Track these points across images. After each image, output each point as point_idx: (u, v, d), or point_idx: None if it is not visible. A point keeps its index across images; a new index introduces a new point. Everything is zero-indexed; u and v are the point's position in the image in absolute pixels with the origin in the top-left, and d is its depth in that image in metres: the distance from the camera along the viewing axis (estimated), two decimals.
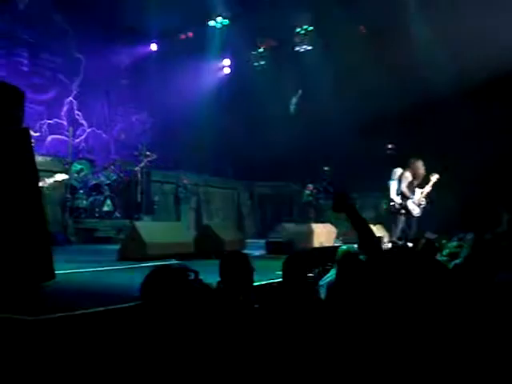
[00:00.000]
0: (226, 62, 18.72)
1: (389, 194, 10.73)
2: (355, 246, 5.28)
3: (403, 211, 10.65)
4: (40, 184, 8.04)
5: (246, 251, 10.01)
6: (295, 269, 4.03)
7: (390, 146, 15.48)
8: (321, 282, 4.65)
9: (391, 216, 10.92)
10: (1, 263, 4.02)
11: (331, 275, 4.98)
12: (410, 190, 10.64)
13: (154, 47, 17.28)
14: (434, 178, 10.72)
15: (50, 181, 8.24)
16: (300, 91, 18.02)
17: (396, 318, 2.53)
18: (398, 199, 10.64)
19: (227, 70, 18.79)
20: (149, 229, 8.86)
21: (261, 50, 17.98)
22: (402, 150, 13.14)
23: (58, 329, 3.52)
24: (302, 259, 4.16)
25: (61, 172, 11.85)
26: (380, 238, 5.16)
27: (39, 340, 3.39)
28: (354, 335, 2.49)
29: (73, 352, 3.36)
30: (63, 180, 8.76)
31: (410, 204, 10.61)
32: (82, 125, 15.53)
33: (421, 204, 10.65)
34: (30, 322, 3.46)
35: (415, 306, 2.53)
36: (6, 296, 3.85)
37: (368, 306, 2.63)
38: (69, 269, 6.62)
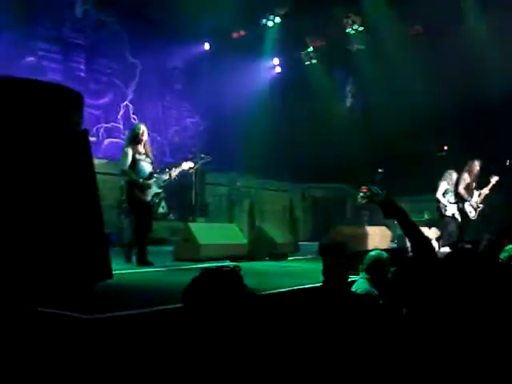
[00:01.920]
0: (276, 60, 18.63)
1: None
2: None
3: (455, 214, 10.46)
4: (166, 176, 8.28)
5: (298, 254, 10.05)
6: (335, 272, 3.96)
7: (444, 148, 15.21)
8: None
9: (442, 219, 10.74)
10: (59, 262, 4.11)
11: (358, 282, 4.85)
12: (467, 192, 10.44)
13: (206, 46, 17.33)
14: (494, 180, 10.50)
15: (176, 171, 8.46)
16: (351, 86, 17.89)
17: (461, 322, 2.47)
18: (444, 200, 10.48)
19: (278, 69, 18.72)
20: (203, 230, 8.94)
21: (310, 49, 17.86)
22: (455, 151, 12.88)
23: (112, 328, 3.58)
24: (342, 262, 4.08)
25: (116, 174, 12.15)
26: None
27: (94, 338, 3.44)
28: (417, 341, 2.43)
29: (128, 351, 3.41)
30: (189, 168, 8.85)
31: (467, 206, 10.42)
32: None
33: (478, 207, 10.44)
34: (85, 320, 3.53)
35: (481, 310, 2.47)
36: (63, 294, 3.93)
37: (428, 311, 2.58)
38: (124, 269, 6.74)
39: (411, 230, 3.06)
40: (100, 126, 14.76)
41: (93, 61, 14.92)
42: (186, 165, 8.68)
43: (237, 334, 2.01)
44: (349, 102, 18.19)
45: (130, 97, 15.74)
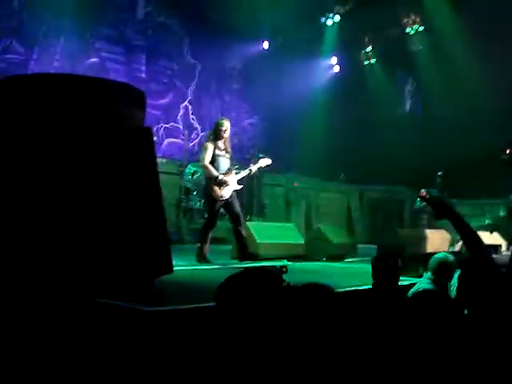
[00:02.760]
0: (334, 60, 18.50)
1: None
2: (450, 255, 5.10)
3: None
4: (246, 172, 8.27)
5: (357, 256, 9.97)
6: (385, 273, 3.89)
7: (507, 151, 14.84)
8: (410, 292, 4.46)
9: None
10: (123, 257, 4.20)
11: (421, 283, 4.79)
12: None
13: (265, 45, 17.33)
14: None
15: (255, 167, 8.49)
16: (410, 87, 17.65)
17: None
18: None
19: (337, 69, 18.58)
20: (261, 229, 8.98)
21: (369, 48, 17.69)
22: None
23: (173, 321, 3.64)
24: (392, 263, 4.00)
25: (175, 174, 12.32)
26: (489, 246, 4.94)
27: (156, 331, 3.51)
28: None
29: (186, 345, 3.45)
30: (267, 165, 8.75)
31: None
32: (196, 129, 15.96)
33: None
34: (147, 312, 3.60)
35: None
36: (126, 287, 4.02)
37: (488, 313, 2.54)
38: (183, 266, 6.83)
39: (464, 231, 3.03)
40: (160, 126, 15.00)
41: (153, 62, 15.19)
42: (264, 161, 8.64)
43: (275, 334, 2.00)
44: (408, 103, 17.95)
45: (189, 97, 15.95)
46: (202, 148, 8.18)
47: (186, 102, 15.87)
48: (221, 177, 7.87)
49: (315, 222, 14.78)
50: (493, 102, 14.38)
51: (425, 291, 2.70)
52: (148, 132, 4.76)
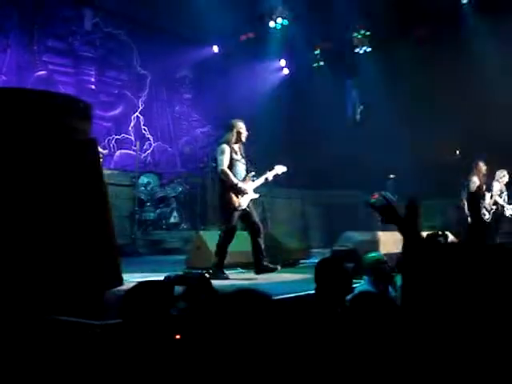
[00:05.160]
0: (283, 62, 18.49)
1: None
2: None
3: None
4: (262, 179, 7.64)
5: (311, 260, 10.03)
6: (327, 275, 3.81)
7: (457, 152, 15.16)
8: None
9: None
10: (69, 270, 4.15)
11: (360, 286, 4.85)
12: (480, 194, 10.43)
13: (215, 49, 17.22)
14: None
15: (271, 174, 7.83)
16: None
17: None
18: (501, 201, 10.48)
19: (286, 71, 18.62)
20: (214, 238, 8.95)
21: (317, 51, 17.81)
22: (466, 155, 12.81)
23: (122, 334, 3.61)
24: (336, 265, 3.94)
25: (129, 185, 12.23)
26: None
27: (105, 344, 3.48)
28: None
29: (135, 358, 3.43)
30: (282, 172, 8.06)
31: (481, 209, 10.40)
32: (148, 139, 15.88)
33: (492, 209, 10.41)
34: (97, 326, 3.57)
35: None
36: (75, 301, 3.97)
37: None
38: (138, 277, 6.78)
39: (410, 237, 3.09)
40: (111, 137, 14.86)
41: (103, 73, 15.05)
42: (280, 168, 7.97)
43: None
44: (358, 106, 18.15)
45: (140, 108, 15.85)
46: (217, 151, 7.45)
47: (137, 113, 15.77)
48: (240, 184, 7.34)
49: (270, 228, 14.81)
50: (438, 106, 14.69)
51: (361, 293, 2.73)
52: (93, 143, 4.73)
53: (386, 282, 4.92)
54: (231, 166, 7.36)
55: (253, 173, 7.64)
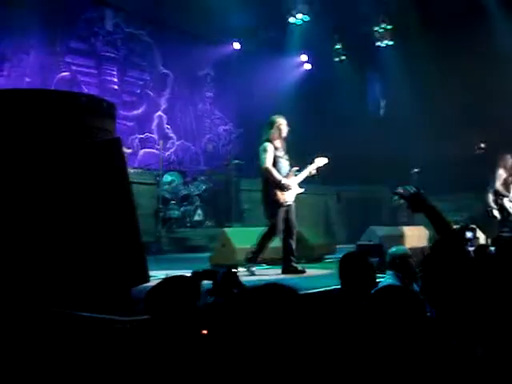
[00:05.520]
0: (304, 57, 18.42)
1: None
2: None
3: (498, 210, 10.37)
4: (305, 174, 7.59)
5: (336, 255, 10.01)
6: (356, 269, 3.80)
7: (482, 146, 15.01)
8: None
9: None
10: (96, 268, 4.19)
11: (385, 279, 4.82)
12: (505, 188, 10.33)
13: (236, 46, 17.19)
14: None
15: (312, 168, 7.80)
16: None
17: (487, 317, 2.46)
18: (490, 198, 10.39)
19: (308, 66, 18.57)
20: (239, 235, 8.99)
21: (338, 46, 17.68)
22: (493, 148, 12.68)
23: (150, 330, 3.64)
24: (360, 259, 3.93)
25: (152, 183, 12.30)
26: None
27: (134, 340, 3.51)
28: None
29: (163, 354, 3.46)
30: (324, 165, 7.98)
31: (507, 202, 10.30)
32: (171, 138, 15.96)
33: None
34: (126, 322, 3.60)
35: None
36: (101, 297, 4.01)
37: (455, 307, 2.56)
38: (163, 275, 6.81)
39: (440, 224, 3.06)
40: (135, 136, 14.97)
41: (125, 73, 15.16)
42: (321, 161, 7.92)
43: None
44: (382, 102, 18.05)
45: (163, 107, 15.95)
46: (260, 150, 7.44)
47: (159, 112, 15.86)
48: (284, 180, 7.35)
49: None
50: (465, 100, 14.57)
51: (385, 287, 2.72)
52: (117, 143, 4.77)
53: (411, 276, 4.88)
54: (274, 162, 7.37)
55: (296, 168, 7.63)
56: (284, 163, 7.53)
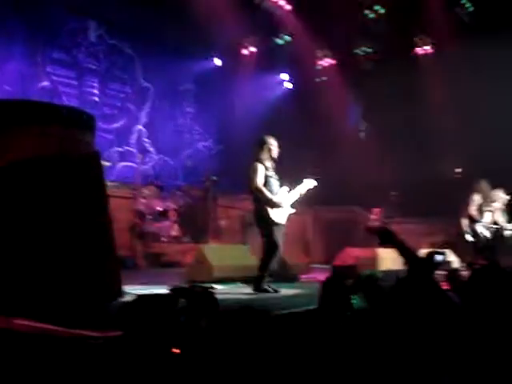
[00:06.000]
0: (285, 76, 18.54)
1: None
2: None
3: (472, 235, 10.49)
4: (296, 195, 7.51)
5: (311, 275, 10.03)
6: (335, 292, 3.86)
7: (458, 171, 15.24)
8: None
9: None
10: (69, 282, 4.15)
11: (357, 301, 4.83)
12: (479, 214, 10.46)
13: (217, 62, 17.24)
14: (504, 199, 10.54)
15: (303, 188, 7.71)
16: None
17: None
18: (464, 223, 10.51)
19: (289, 85, 18.66)
20: (215, 251, 8.98)
21: (319, 67, 17.84)
22: (468, 173, 12.85)
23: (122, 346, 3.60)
24: (341, 283, 3.98)
25: (130, 197, 12.25)
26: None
27: (106, 356, 3.47)
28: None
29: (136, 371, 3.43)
30: (314, 186, 7.91)
31: (479, 227, 10.42)
32: (150, 152, 15.92)
33: (491, 227, 10.44)
34: (99, 337, 3.56)
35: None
36: (74, 311, 3.97)
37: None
38: (138, 290, 6.76)
39: (407, 256, 3.15)
40: (113, 149, 14.90)
41: (106, 85, 15.12)
42: (310, 182, 7.84)
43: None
44: (362, 123, 18.20)
45: (143, 121, 15.91)
46: (251, 170, 7.40)
47: (139, 126, 15.83)
48: (275, 198, 7.34)
49: None
50: (443, 122, 14.73)
51: (359, 310, 2.74)
52: (96, 156, 4.75)
53: (381, 300, 4.89)
54: (265, 182, 7.37)
55: (286, 188, 7.61)
56: (275, 183, 7.53)
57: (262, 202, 7.33)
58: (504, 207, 10.64)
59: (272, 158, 7.56)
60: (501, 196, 10.57)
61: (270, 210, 7.29)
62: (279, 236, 7.45)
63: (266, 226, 7.38)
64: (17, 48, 12.93)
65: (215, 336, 1.75)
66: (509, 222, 10.60)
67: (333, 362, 2.45)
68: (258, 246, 13.90)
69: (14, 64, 12.92)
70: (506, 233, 10.51)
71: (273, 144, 7.60)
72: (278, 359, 1.86)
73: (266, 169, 7.44)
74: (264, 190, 7.29)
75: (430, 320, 2.57)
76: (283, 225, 7.49)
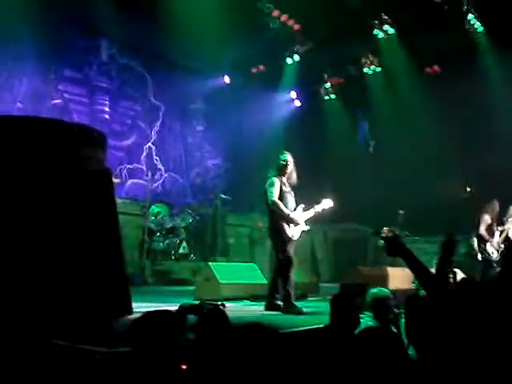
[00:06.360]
0: (294, 94, 18.60)
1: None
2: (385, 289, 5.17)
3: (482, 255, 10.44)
4: (311, 213, 7.44)
5: (320, 294, 10.00)
6: (343, 309, 3.89)
7: (468, 189, 15.14)
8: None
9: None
10: (80, 298, 4.17)
11: (364, 320, 4.83)
12: (489, 233, 10.42)
13: (226, 80, 17.31)
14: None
15: (319, 208, 7.70)
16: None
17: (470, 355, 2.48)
18: (475, 243, 10.47)
19: (297, 103, 18.73)
20: (223, 269, 8.97)
21: (328, 85, 17.92)
22: (478, 192, 12.77)
23: (130, 363, 3.61)
24: (351, 299, 4.01)
25: (138, 214, 12.28)
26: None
27: (114, 372, 3.47)
28: None
29: None
30: (330, 207, 7.89)
31: (489, 247, 10.37)
32: (159, 169, 15.99)
33: (500, 247, 10.38)
34: (107, 353, 3.57)
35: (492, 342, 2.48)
36: (83, 327, 3.98)
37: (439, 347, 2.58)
38: (146, 307, 6.76)
39: (417, 268, 3.12)
40: (123, 166, 14.98)
41: (117, 103, 15.24)
42: (327, 203, 7.84)
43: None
44: (371, 143, 18.20)
45: (153, 138, 16.00)
46: (267, 184, 7.36)
47: (149, 143, 15.91)
48: (292, 214, 7.26)
49: None
50: (447, 141, 14.71)
51: (368, 328, 2.74)
52: (107, 173, 4.79)
53: (389, 318, 4.88)
54: (281, 198, 7.29)
55: (302, 205, 7.55)
56: (290, 199, 7.45)
57: (278, 217, 7.25)
58: None
59: (288, 174, 7.51)
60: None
61: (285, 225, 7.22)
62: (292, 252, 7.35)
63: (282, 241, 7.27)
64: (29, 65, 13.07)
65: (223, 353, 1.76)
66: None
67: (339, 380, 2.45)
68: (266, 264, 13.99)
69: (26, 81, 13.06)
70: None
71: (290, 160, 7.54)
72: (285, 377, 1.87)
73: (283, 184, 7.41)
74: (281, 204, 7.21)
75: (443, 337, 2.56)
76: (295, 241, 7.41)
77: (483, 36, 14.52)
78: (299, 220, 7.36)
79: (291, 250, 7.32)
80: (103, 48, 14.94)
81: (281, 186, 7.33)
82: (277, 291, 7.38)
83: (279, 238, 7.28)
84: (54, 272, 4.13)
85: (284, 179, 7.44)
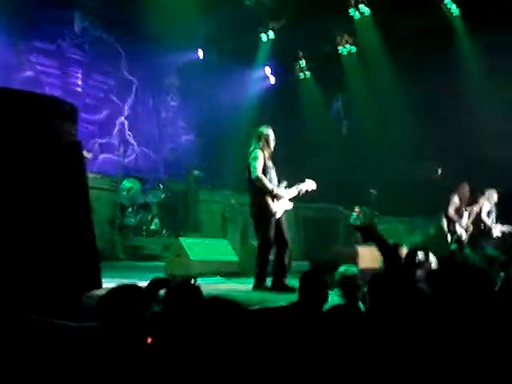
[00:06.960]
0: (268, 71, 18.37)
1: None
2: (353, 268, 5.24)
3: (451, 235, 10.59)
4: (295, 191, 7.10)
5: (290, 272, 10.06)
6: (313, 286, 3.93)
7: (439, 171, 15.27)
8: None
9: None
10: (48, 271, 4.15)
11: (333, 297, 4.89)
12: (457, 214, 10.56)
13: (200, 54, 17.05)
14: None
15: (302, 188, 7.39)
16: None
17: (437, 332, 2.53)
18: (489, 221, 10.61)
19: (272, 80, 18.64)
20: (194, 245, 8.96)
21: (303, 62, 17.85)
22: (447, 175, 12.89)
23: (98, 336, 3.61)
24: (321, 276, 4.05)
25: (110, 190, 12.21)
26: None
27: (83, 346, 3.47)
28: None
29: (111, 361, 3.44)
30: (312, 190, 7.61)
31: (458, 228, 10.52)
32: (132, 144, 15.86)
33: (468, 229, 10.55)
34: (76, 328, 3.56)
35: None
36: (52, 302, 3.97)
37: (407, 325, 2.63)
38: (116, 282, 6.75)
39: (387, 252, 3.22)
40: (95, 141, 14.82)
41: (90, 76, 15.04)
42: (311, 184, 7.50)
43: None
44: (344, 122, 18.23)
45: (125, 113, 15.84)
46: (250, 158, 7.02)
47: (122, 118, 15.76)
48: (276, 189, 7.00)
49: (252, 238, 14.81)
50: (426, 122, 14.77)
51: (333, 306, 2.78)
52: (78, 146, 4.74)
53: (357, 296, 4.95)
54: (265, 172, 7.00)
55: (285, 182, 7.29)
56: (273, 174, 7.19)
57: (261, 192, 6.98)
58: (494, 207, 10.75)
59: (270, 149, 7.23)
60: (491, 195, 10.68)
61: (269, 201, 6.96)
62: (283, 230, 7.15)
63: (264, 216, 7.00)
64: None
65: (188, 326, 1.77)
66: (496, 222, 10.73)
67: (305, 358, 2.48)
68: (237, 240, 14.01)
69: None
70: (494, 233, 10.62)
71: (270, 134, 7.28)
72: (250, 352, 1.88)
73: (266, 159, 7.13)
74: (264, 178, 6.94)
75: (405, 315, 2.61)
76: (281, 218, 7.12)
77: (459, 19, 14.54)
78: (284, 196, 7.09)
79: (275, 228, 7.03)
80: (77, 20, 14.67)
81: (264, 161, 7.03)
82: (283, 270, 7.17)
83: (263, 213, 7.00)
84: (21, 246, 4.10)
85: (267, 154, 7.14)
